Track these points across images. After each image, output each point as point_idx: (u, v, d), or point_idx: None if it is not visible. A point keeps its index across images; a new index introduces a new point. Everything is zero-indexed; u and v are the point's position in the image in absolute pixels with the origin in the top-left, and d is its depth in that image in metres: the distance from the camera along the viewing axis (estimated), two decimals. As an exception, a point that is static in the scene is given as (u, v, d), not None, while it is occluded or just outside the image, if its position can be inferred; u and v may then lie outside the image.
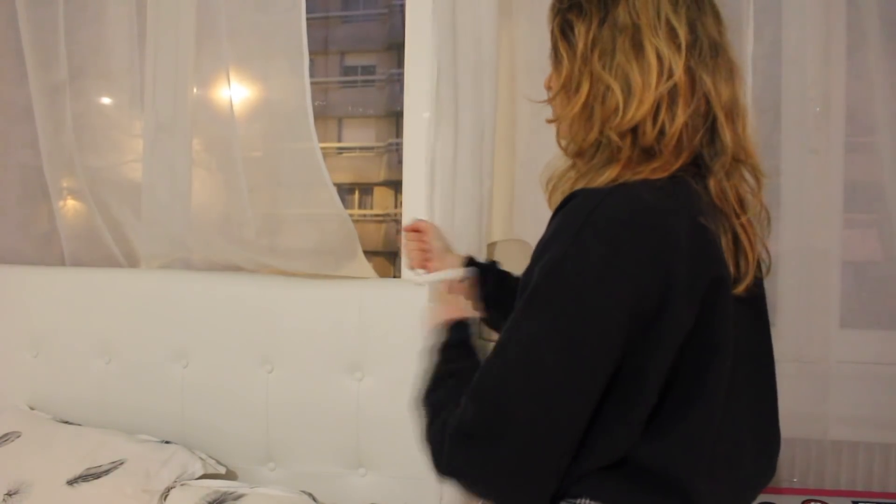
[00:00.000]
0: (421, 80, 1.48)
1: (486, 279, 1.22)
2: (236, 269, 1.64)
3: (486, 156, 1.37)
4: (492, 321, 1.21)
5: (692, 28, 0.81)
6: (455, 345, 0.94)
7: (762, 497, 1.37)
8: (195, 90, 1.60)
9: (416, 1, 1.55)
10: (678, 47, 0.80)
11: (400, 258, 1.64)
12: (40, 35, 1.67)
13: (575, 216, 0.76)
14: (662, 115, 0.80)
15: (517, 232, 1.49)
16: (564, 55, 0.85)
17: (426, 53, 1.42)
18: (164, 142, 1.61)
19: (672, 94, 0.80)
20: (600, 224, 0.74)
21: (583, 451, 0.75)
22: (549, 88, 0.93)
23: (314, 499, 1.42)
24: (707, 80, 0.81)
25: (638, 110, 0.79)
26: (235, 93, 1.55)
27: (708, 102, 0.81)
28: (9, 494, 1.40)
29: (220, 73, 1.56)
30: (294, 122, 1.49)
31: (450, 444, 0.77)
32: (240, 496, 1.39)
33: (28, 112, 1.72)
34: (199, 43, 1.59)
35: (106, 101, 1.65)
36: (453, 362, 0.90)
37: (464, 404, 0.77)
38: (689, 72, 0.80)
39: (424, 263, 1.30)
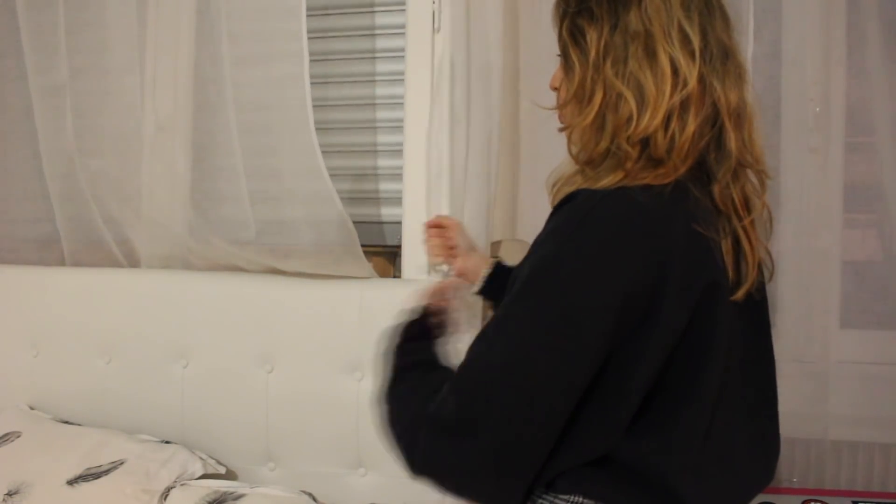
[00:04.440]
0: (421, 81, 1.48)
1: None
2: (236, 269, 1.64)
3: (493, 158, 1.37)
4: None
5: (703, 34, 0.80)
6: (413, 337, 0.93)
7: (762, 497, 1.37)
8: (195, 90, 1.60)
9: (418, 2, 1.55)
10: (692, 55, 0.79)
11: (400, 258, 1.64)
12: (40, 35, 1.66)
13: (571, 216, 0.77)
14: (674, 124, 0.79)
15: (519, 233, 1.49)
16: (576, 62, 0.84)
17: (427, 55, 1.42)
18: (164, 142, 1.61)
19: (684, 104, 0.79)
20: (595, 224, 0.75)
21: (564, 445, 0.76)
22: (554, 89, 0.92)
23: (314, 499, 1.42)
24: (717, 86, 0.80)
25: (652, 120, 0.78)
26: (235, 93, 1.55)
27: (716, 108, 0.81)
28: (9, 494, 1.40)
29: (220, 73, 1.56)
30: (294, 122, 1.49)
31: (426, 440, 0.76)
32: (240, 496, 1.39)
33: (28, 112, 1.72)
34: (199, 43, 1.59)
35: (106, 99, 1.65)
36: (413, 354, 0.90)
37: (443, 396, 0.77)
38: (701, 79, 0.80)
39: (449, 260, 1.27)
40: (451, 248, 1.26)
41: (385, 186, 1.68)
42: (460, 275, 1.24)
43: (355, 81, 1.68)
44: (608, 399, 0.75)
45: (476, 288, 1.23)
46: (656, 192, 0.77)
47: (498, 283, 1.20)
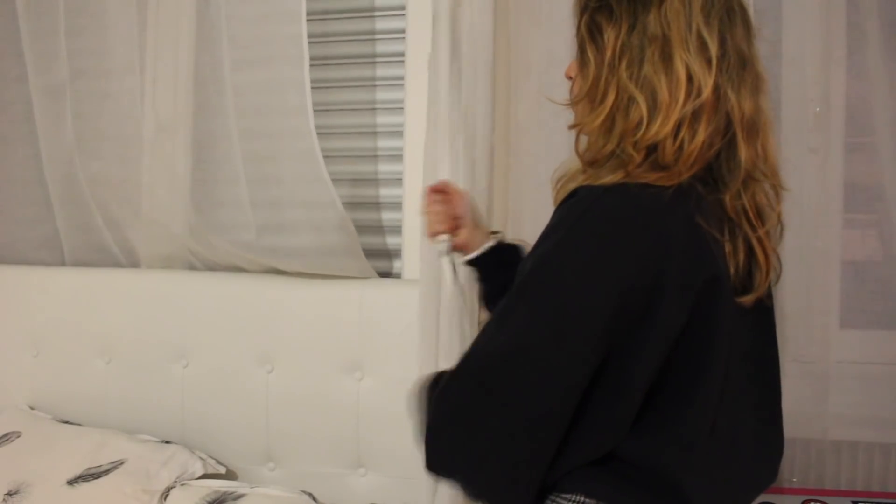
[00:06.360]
0: (421, 80, 1.47)
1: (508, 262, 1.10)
2: (237, 269, 1.64)
3: (483, 156, 1.36)
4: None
5: (722, 41, 0.79)
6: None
7: (761, 497, 1.37)
8: (195, 91, 1.60)
9: (416, 1, 1.55)
10: (708, 62, 0.78)
11: (401, 258, 1.64)
12: (40, 35, 1.67)
13: (573, 211, 0.77)
14: (683, 132, 0.78)
15: (513, 231, 1.48)
16: (592, 59, 0.83)
17: (426, 53, 1.42)
18: (164, 142, 1.61)
19: (697, 112, 0.78)
20: (595, 220, 0.75)
21: (569, 444, 0.76)
22: (569, 78, 0.92)
23: (314, 499, 1.42)
24: (732, 96, 0.79)
25: (662, 127, 0.78)
26: (235, 92, 1.55)
27: (728, 119, 0.80)
28: (9, 494, 1.40)
29: (220, 74, 1.56)
30: (294, 122, 1.49)
31: (431, 435, 0.77)
32: (240, 496, 1.39)
33: (28, 113, 1.72)
34: (199, 43, 1.59)
35: (106, 101, 1.65)
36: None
37: (442, 391, 0.77)
38: (716, 89, 0.79)
39: (453, 230, 1.13)
40: (455, 217, 1.14)
41: (385, 192, 1.67)
42: (460, 249, 1.14)
43: (355, 86, 1.68)
44: (610, 397, 0.75)
45: (471, 256, 1.14)
46: (657, 190, 0.77)
47: (494, 258, 1.13)
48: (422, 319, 1.34)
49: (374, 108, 1.67)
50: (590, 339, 0.73)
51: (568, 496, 0.78)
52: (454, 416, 0.76)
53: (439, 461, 0.78)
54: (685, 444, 0.78)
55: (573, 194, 0.79)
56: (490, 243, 1.14)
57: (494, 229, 1.19)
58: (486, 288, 1.17)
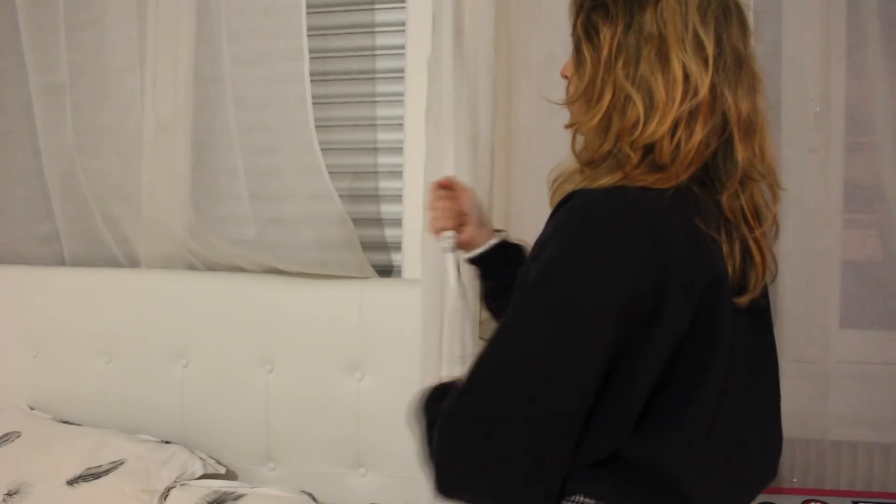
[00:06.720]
0: (421, 80, 1.47)
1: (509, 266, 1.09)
2: (237, 269, 1.64)
3: (484, 157, 1.36)
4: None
5: (718, 41, 0.79)
6: (441, 395, 0.92)
7: (762, 497, 1.37)
8: (195, 90, 1.60)
9: (416, 1, 1.55)
10: (705, 62, 0.78)
11: (400, 251, 1.63)
12: (40, 35, 1.67)
13: (572, 216, 0.77)
14: (680, 132, 0.78)
15: (515, 233, 1.48)
16: (588, 59, 0.83)
17: (426, 53, 1.42)
18: (164, 142, 1.61)
19: (693, 112, 0.78)
20: (597, 224, 0.75)
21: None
22: (565, 77, 0.92)
23: (314, 499, 1.42)
24: (728, 96, 0.79)
25: (659, 126, 0.78)
26: (235, 93, 1.55)
27: (725, 118, 0.80)
28: (9, 494, 1.40)
29: (221, 73, 1.56)
30: (294, 123, 1.49)
31: (440, 455, 0.76)
32: (240, 496, 1.39)
33: (28, 111, 1.72)
34: (199, 43, 1.59)
35: (106, 100, 1.65)
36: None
37: (451, 406, 0.76)
38: (713, 88, 0.79)
39: (458, 227, 1.12)
40: (461, 214, 1.12)
41: (385, 185, 1.68)
42: (464, 246, 1.13)
43: (356, 79, 1.68)
44: (614, 399, 0.75)
45: (473, 254, 1.13)
46: (656, 193, 0.77)
47: (497, 257, 1.13)
48: (425, 319, 1.34)
49: (375, 101, 1.67)
50: (598, 343, 0.73)
51: (569, 497, 0.78)
52: (466, 437, 0.75)
53: (453, 484, 0.77)
54: (686, 443, 0.78)
55: (570, 197, 0.79)
56: (493, 241, 1.13)
57: (498, 228, 1.18)
58: (487, 287, 1.17)
